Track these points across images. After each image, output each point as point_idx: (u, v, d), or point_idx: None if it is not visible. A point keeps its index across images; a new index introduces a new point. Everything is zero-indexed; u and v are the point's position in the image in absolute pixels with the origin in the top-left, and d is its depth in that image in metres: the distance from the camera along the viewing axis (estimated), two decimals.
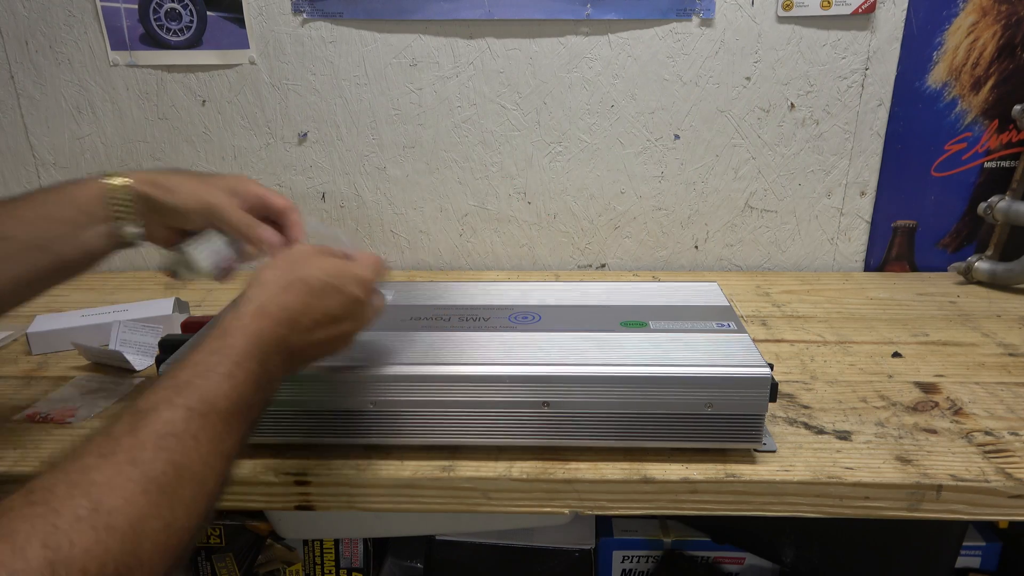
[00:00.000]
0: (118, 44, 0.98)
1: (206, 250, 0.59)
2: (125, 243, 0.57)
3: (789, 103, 0.97)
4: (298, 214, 0.60)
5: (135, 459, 0.38)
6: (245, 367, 0.45)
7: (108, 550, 0.34)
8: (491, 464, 0.58)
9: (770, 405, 0.56)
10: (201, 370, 0.43)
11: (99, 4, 0.96)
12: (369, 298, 0.53)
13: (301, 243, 0.57)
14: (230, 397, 0.43)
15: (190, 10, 0.96)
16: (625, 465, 0.57)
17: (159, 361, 0.62)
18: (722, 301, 0.70)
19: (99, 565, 0.34)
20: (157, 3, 0.96)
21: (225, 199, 0.57)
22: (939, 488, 0.55)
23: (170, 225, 0.58)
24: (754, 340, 0.62)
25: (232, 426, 0.43)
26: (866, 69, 0.95)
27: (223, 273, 0.60)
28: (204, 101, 1.01)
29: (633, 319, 0.66)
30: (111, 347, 0.75)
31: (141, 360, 0.75)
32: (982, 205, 0.97)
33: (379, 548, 0.86)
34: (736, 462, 0.57)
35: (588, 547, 0.80)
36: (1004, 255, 0.98)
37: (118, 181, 0.56)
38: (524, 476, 0.56)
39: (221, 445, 0.42)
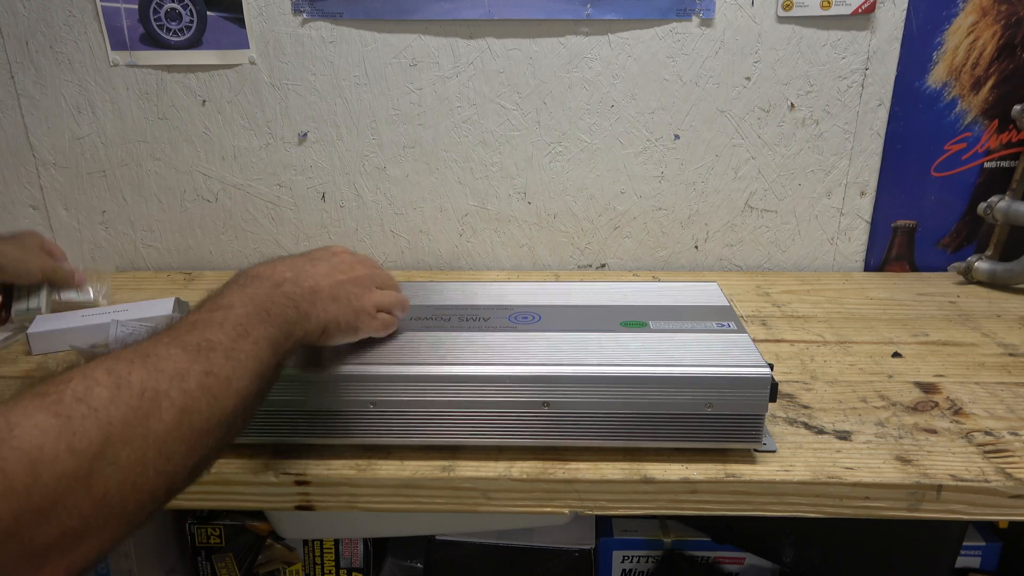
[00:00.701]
0: (118, 44, 0.98)
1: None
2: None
3: (789, 103, 0.97)
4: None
5: (172, 339, 0.41)
6: (254, 285, 0.48)
7: (158, 383, 0.37)
8: (491, 464, 0.58)
9: (770, 405, 0.56)
10: (202, 307, 0.46)
11: (99, 4, 0.96)
12: (359, 259, 0.59)
13: None
14: (245, 304, 0.46)
15: (190, 10, 0.96)
16: (625, 465, 0.57)
17: None
18: (722, 301, 0.70)
19: (153, 391, 0.37)
20: (157, 3, 0.96)
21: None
22: (939, 488, 0.55)
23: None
24: (754, 340, 0.62)
25: (254, 324, 0.45)
26: (866, 69, 0.95)
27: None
28: (204, 101, 1.01)
29: (633, 319, 0.66)
30: (111, 347, 0.75)
31: None
32: (982, 205, 0.97)
33: (379, 548, 0.86)
34: (736, 462, 0.57)
35: (588, 547, 0.80)
36: (1004, 255, 0.98)
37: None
38: (524, 476, 0.56)
39: (253, 331, 0.45)
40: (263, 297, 0.47)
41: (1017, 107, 0.94)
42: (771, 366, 0.56)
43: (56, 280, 0.85)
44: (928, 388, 0.69)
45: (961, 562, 0.80)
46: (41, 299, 0.84)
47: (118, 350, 0.40)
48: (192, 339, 0.42)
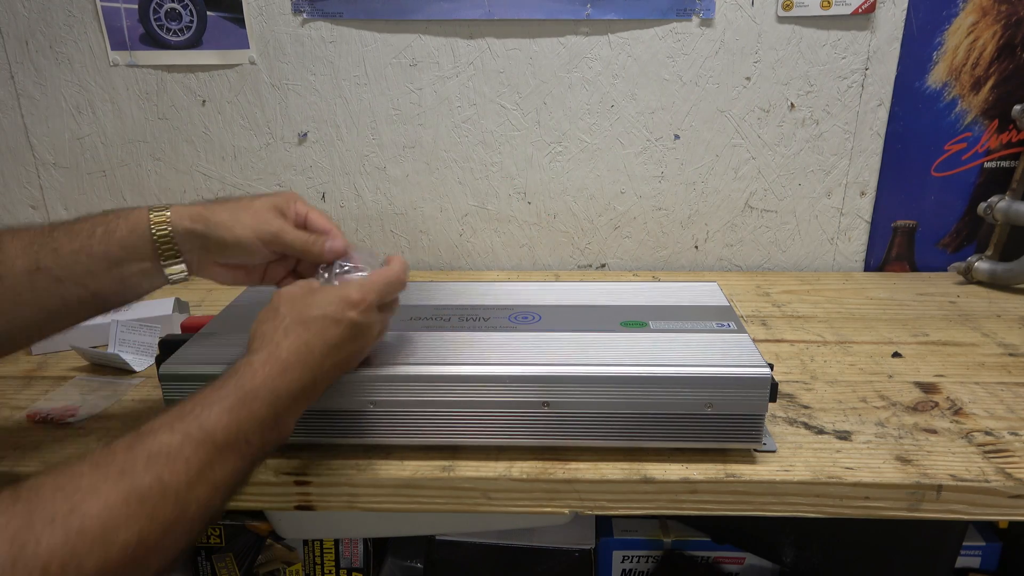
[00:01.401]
0: (118, 44, 0.98)
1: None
2: (171, 275, 0.55)
3: (789, 103, 0.97)
4: (337, 237, 0.58)
5: (124, 471, 0.38)
6: (249, 406, 0.45)
7: (74, 552, 0.35)
8: (491, 464, 0.58)
9: (770, 405, 0.56)
10: (206, 402, 0.44)
11: (99, 4, 0.96)
12: (368, 317, 0.52)
13: (297, 282, 0.55)
14: (228, 429, 0.43)
15: (190, 10, 0.96)
16: (625, 465, 0.57)
17: (159, 361, 0.62)
18: (722, 301, 0.70)
19: (60, 565, 0.34)
20: (157, 3, 0.96)
21: (279, 224, 0.55)
22: (939, 488, 0.55)
23: (228, 262, 0.56)
24: (754, 340, 0.62)
25: (227, 458, 0.43)
26: (866, 69, 0.95)
27: None
28: (204, 101, 1.01)
29: (633, 319, 0.66)
30: (110, 347, 0.75)
31: (140, 360, 0.75)
32: (982, 205, 0.97)
33: (379, 548, 0.86)
34: (736, 462, 0.57)
35: (588, 547, 0.80)
36: (1004, 255, 0.98)
37: (163, 217, 0.53)
38: (524, 476, 0.56)
39: (212, 473, 0.42)
40: (248, 422, 0.45)
41: (1017, 107, 0.94)
42: (771, 366, 0.56)
43: (284, 247, 0.57)
44: (928, 388, 0.69)
45: (961, 562, 0.80)
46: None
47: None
48: (146, 479, 0.39)
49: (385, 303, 0.55)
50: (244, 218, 0.54)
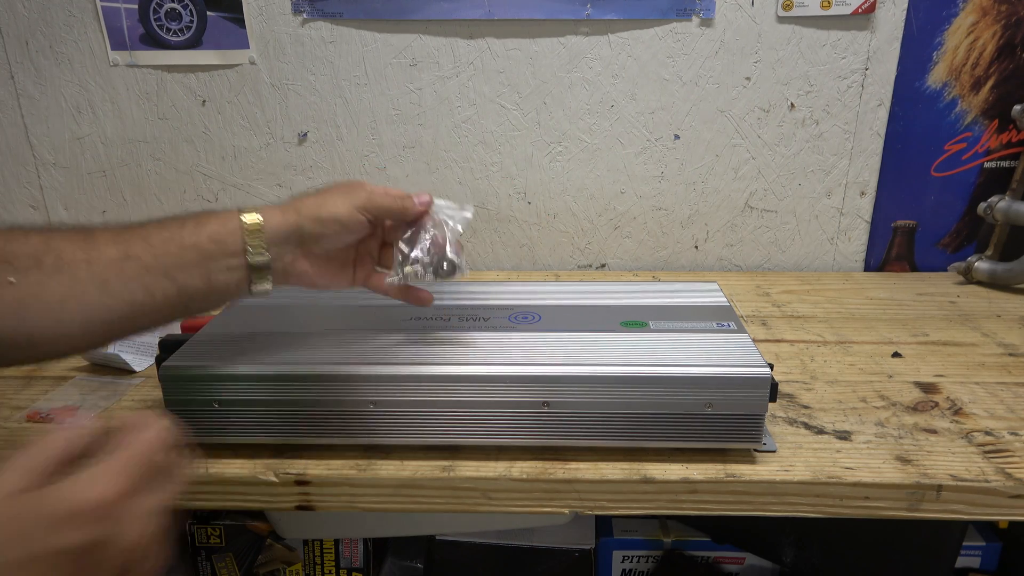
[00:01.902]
0: (118, 44, 0.98)
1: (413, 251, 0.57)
2: (257, 281, 0.52)
3: (789, 103, 0.97)
4: (421, 193, 0.57)
5: None
6: None
7: None
8: (491, 464, 0.58)
9: (770, 405, 0.56)
10: None
11: (99, 4, 0.96)
12: (118, 522, 0.36)
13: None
14: None
15: (190, 10, 0.96)
16: (625, 465, 0.57)
17: (159, 361, 0.62)
18: (722, 301, 0.70)
19: None
20: (157, 3, 0.96)
21: (367, 189, 0.55)
22: (939, 488, 0.55)
23: (324, 248, 0.54)
24: (754, 340, 0.62)
25: None
26: (866, 69, 0.95)
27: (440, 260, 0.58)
28: (204, 101, 1.01)
29: (633, 319, 0.66)
30: (110, 347, 0.75)
31: (141, 360, 0.75)
32: (982, 205, 0.97)
33: (379, 548, 0.86)
34: (736, 462, 0.57)
35: (588, 547, 0.80)
36: (1004, 255, 0.98)
37: (254, 216, 0.52)
38: (524, 476, 0.56)
39: None
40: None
41: (1017, 107, 0.94)
42: (771, 366, 0.56)
43: (377, 209, 0.55)
44: (928, 388, 0.69)
45: (961, 562, 0.80)
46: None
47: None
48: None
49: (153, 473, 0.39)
50: (331, 197, 0.54)
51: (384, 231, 0.60)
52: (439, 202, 0.59)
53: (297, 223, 0.53)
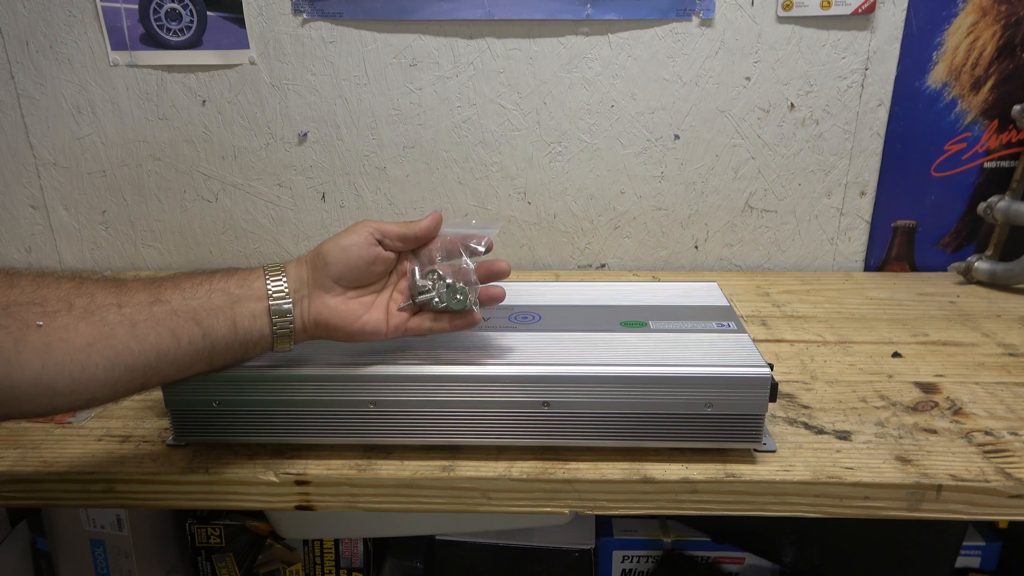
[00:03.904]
0: (118, 44, 0.98)
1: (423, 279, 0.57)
2: (280, 327, 0.52)
3: (789, 103, 0.97)
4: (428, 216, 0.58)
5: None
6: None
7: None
8: (491, 464, 0.58)
9: (770, 405, 0.56)
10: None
11: (99, 4, 0.96)
12: None
13: None
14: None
15: (190, 10, 0.96)
16: (625, 465, 0.57)
17: None
18: (722, 301, 0.70)
19: None
20: (157, 3, 0.96)
21: (376, 222, 0.55)
22: (939, 488, 0.55)
23: (341, 283, 0.54)
24: (754, 340, 0.62)
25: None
26: (866, 69, 0.95)
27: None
28: (204, 101, 1.01)
29: (633, 319, 0.66)
30: None
31: None
32: (982, 205, 0.97)
33: (379, 548, 0.86)
34: (736, 462, 0.57)
35: (588, 547, 0.80)
36: (1004, 255, 0.98)
37: (275, 264, 0.54)
38: (524, 476, 0.56)
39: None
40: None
41: (1017, 107, 0.94)
42: (771, 366, 0.56)
43: (387, 234, 0.56)
44: (928, 388, 0.69)
45: (961, 562, 0.80)
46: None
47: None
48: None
49: None
50: (344, 234, 0.54)
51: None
52: (457, 227, 0.58)
53: (312, 259, 0.54)
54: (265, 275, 0.52)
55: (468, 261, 0.57)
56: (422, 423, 0.58)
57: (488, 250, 0.58)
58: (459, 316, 0.58)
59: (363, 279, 0.55)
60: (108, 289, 0.47)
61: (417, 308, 0.57)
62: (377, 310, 0.56)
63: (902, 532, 0.71)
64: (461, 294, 0.56)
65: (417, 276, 0.57)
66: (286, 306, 0.52)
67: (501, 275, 0.59)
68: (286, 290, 0.52)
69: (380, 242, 0.55)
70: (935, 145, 0.98)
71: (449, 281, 0.56)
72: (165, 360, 0.48)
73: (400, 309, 0.57)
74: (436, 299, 0.56)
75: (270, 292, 0.51)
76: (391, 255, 0.56)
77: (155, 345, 0.47)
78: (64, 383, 0.45)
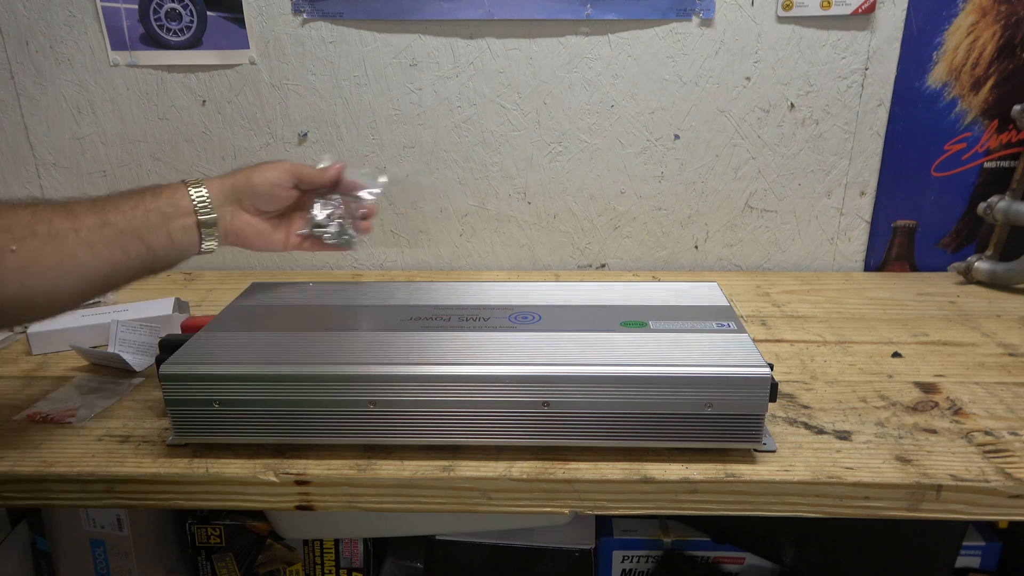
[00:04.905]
0: (118, 44, 0.98)
1: (321, 211, 0.70)
2: (205, 235, 0.62)
3: (789, 103, 0.97)
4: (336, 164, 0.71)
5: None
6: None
7: None
8: (491, 464, 0.58)
9: (770, 405, 0.56)
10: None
11: (99, 4, 0.96)
12: None
13: None
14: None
15: (190, 10, 0.96)
16: (625, 465, 0.57)
17: (159, 361, 0.62)
18: (722, 301, 0.70)
19: None
20: (157, 3, 0.96)
21: (289, 162, 0.67)
22: (939, 488, 0.55)
23: (258, 207, 0.66)
24: (754, 340, 0.62)
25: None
26: (866, 69, 0.95)
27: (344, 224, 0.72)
28: (204, 101, 1.01)
29: (633, 319, 0.66)
30: (110, 347, 0.75)
31: (141, 360, 0.75)
32: (982, 205, 0.97)
33: (379, 548, 0.86)
34: (736, 462, 0.57)
35: (588, 547, 0.80)
36: (1004, 255, 0.98)
37: (198, 184, 0.62)
38: (524, 476, 0.56)
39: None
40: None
41: (1017, 107, 0.94)
42: (771, 366, 0.56)
43: (301, 176, 0.68)
44: (928, 388, 0.69)
45: (961, 562, 0.80)
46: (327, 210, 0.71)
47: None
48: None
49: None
50: (261, 166, 0.66)
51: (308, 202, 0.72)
52: (353, 174, 0.71)
53: (234, 184, 0.64)
54: (188, 189, 0.61)
55: (362, 196, 0.72)
56: (422, 423, 0.58)
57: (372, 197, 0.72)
58: (339, 246, 0.72)
59: (276, 208, 0.67)
60: (61, 215, 0.55)
61: (310, 235, 0.71)
62: (280, 232, 0.69)
63: (902, 532, 0.71)
64: (347, 234, 0.71)
65: (316, 212, 0.70)
66: (212, 219, 0.62)
67: (370, 214, 0.73)
68: (209, 204, 0.62)
69: (295, 183, 0.67)
70: (935, 145, 0.98)
71: (340, 221, 0.70)
72: (118, 272, 0.58)
73: (299, 234, 0.70)
74: (327, 234, 0.70)
75: (196, 208, 0.61)
76: (299, 192, 0.69)
77: (110, 261, 0.57)
78: (41, 297, 0.54)
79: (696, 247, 1.06)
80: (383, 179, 0.73)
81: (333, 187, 0.70)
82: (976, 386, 0.69)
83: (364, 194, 0.72)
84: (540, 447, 0.59)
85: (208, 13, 0.96)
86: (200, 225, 0.61)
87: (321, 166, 0.69)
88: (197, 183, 0.62)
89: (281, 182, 0.66)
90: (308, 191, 0.70)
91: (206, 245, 0.62)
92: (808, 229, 1.04)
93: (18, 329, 0.82)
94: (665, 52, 0.96)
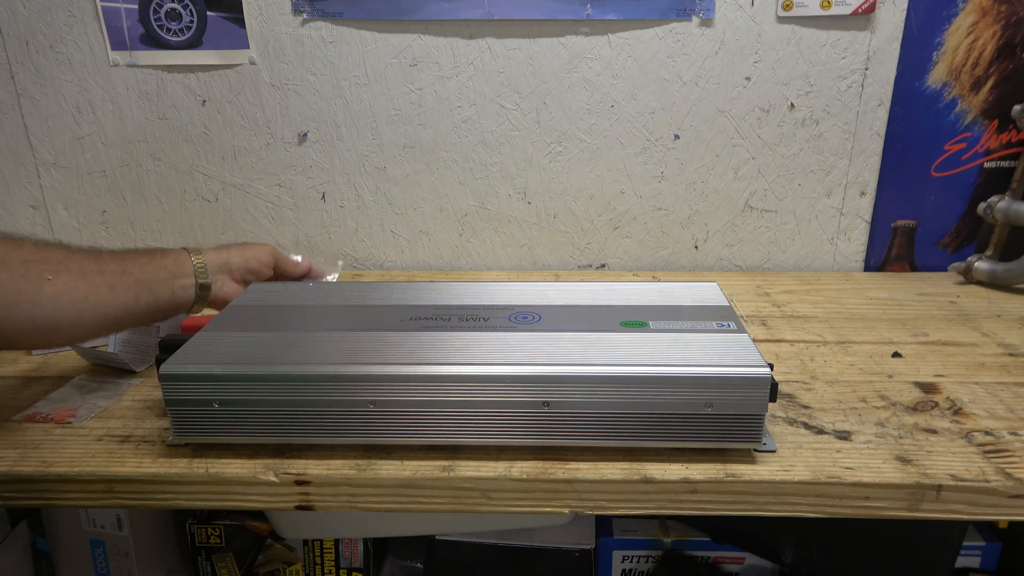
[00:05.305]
0: (118, 44, 0.98)
1: None
2: (199, 296, 0.70)
3: (789, 103, 0.97)
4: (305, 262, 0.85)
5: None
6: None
7: None
8: (491, 464, 0.58)
9: (770, 405, 0.56)
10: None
11: (99, 4, 0.96)
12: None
13: None
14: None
15: (190, 10, 0.96)
16: (625, 465, 0.57)
17: (159, 361, 0.62)
18: (722, 301, 0.70)
19: None
20: (157, 3, 0.96)
21: (275, 250, 0.80)
22: (939, 488, 0.55)
23: (244, 279, 0.76)
24: (754, 340, 0.62)
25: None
26: (866, 69, 0.95)
27: None
28: (204, 101, 1.01)
29: (633, 319, 0.66)
30: (110, 347, 0.75)
31: (141, 360, 0.75)
32: (982, 205, 0.97)
33: (379, 548, 0.86)
34: (736, 462, 0.57)
35: (588, 547, 0.80)
36: (1004, 255, 0.98)
37: (199, 254, 0.72)
38: (524, 476, 0.56)
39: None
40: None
41: (1017, 107, 0.94)
42: (771, 366, 0.56)
43: (280, 265, 0.82)
44: (928, 388, 0.69)
45: (961, 562, 0.80)
46: None
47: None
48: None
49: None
50: (258, 253, 0.78)
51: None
52: (315, 261, 0.87)
53: (228, 257, 0.74)
54: (190, 256, 0.71)
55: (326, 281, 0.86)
56: (422, 423, 0.58)
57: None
58: None
59: (257, 280, 0.78)
60: (89, 258, 0.63)
61: None
62: None
63: (902, 532, 0.71)
64: None
65: None
66: (207, 283, 0.71)
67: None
68: (207, 271, 0.71)
69: (274, 266, 0.79)
70: (935, 145, 0.98)
71: None
72: (128, 314, 0.64)
73: None
74: None
75: (196, 271, 0.70)
76: (274, 274, 0.81)
77: (124, 303, 0.63)
78: (66, 324, 0.59)
79: (696, 247, 1.06)
80: (340, 263, 0.94)
81: (300, 277, 0.83)
82: (976, 386, 0.69)
83: (328, 279, 0.87)
84: (540, 447, 0.59)
85: (208, 13, 0.96)
86: (199, 287, 0.70)
87: (296, 258, 0.83)
88: (198, 252, 0.72)
89: (268, 262, 0.78)
90: (279, 276, 0.82)
91: (196, 305, 0.71)
92: (808, 229, 1.04)
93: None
94: (665, 52, 0.96)
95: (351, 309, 0.69)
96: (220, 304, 0.73)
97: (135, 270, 0.65)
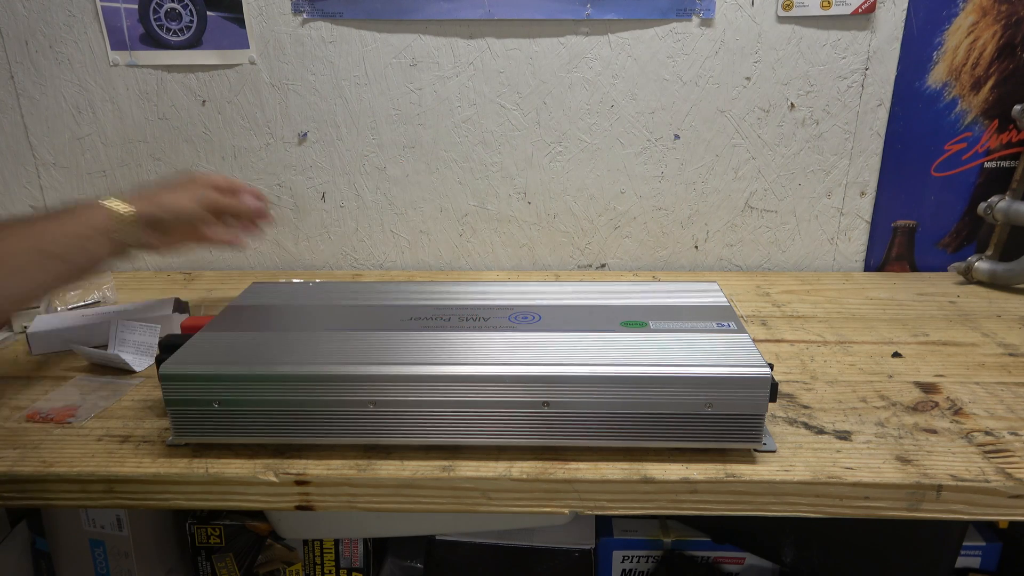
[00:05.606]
0: (118, 44, 0.98)
1: None
2: (123, 252, 0.70)
3: (789, 103, 0.97)
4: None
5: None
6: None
7: None
8: (491, 464, 0.58)
9: (770, 405, 0.56)
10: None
11: (99, 4, 0.96)
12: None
13: None
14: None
15: (190, 10, 0.96)
16: (625, 465, 0.57)
17: (159, 361, 0.62)
18: (722, 301, 0.70)
19: None
20: (157, 3, 0.96)
21: (202, 188, 0.75)
22: (939, 488, 0.55)
23: (167, 231, 0.73)
24: (754, 340, 0.62)
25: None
26: (866, 69, 0.95)
27: None
28: (204, 101, 1.01)
29: (633, 319, 0.66)
30: (110, 347, 0.75)
31: (141, 360, 0.75)
32: (982, 205, 0.97)
33: (379, 548, 0.86)
34: (736, 462, 0.57)
35: (588, 547, 0.80)
36: (1004, 255, 0.98)
37: (119, 207, 0.69)
38: (524, 476, 0.56)
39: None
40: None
41: (1017, 107, 0.94)
42: (771, 366, 0.56)
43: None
44: (928, 388, 0.69)
45: (961, 562, 0.80)
46: None
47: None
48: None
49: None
50: (174, 191, 0.74)
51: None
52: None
53: (149, 211, 0.70)
54: (112, 217, 0.69)
55: None
56: (422, 423, 0.58)
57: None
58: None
59: None
60: (25, 231, 0.64)
61: None
62: (186, 240, 0.77)
63: (902, 532, 0.71)
64: None
65: None
66: (125, 239, 0.70)
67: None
68: (127, 228, 0.70)
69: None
70: (935, 145, 0.98)
71: None
72: (42, 287, 0.65)
73: None
74: None
75: (114, 229, 0.69)
76: None
77: (38, 281, 0.64)
78: (24, 291, 0.63)
79: (696, 247, 1.06)
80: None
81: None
82: (976, 386, 0.69)
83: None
84: (540, 447, 0.59)
85: (208, 13, 0.96)
86: (115, 243, 0.69)
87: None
88: (116, 205, 0.70)
89: (193, 213, 0.75)
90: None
91: (121, 258, 0.71)
92: (808, 229, 1.04)
93: (18, 328, 0.82)
94: (665, 52, 0.96)
95: (351, 309, 0.69)
96: (147, 250, 0.73)
97: (46, 243, 0.64)
